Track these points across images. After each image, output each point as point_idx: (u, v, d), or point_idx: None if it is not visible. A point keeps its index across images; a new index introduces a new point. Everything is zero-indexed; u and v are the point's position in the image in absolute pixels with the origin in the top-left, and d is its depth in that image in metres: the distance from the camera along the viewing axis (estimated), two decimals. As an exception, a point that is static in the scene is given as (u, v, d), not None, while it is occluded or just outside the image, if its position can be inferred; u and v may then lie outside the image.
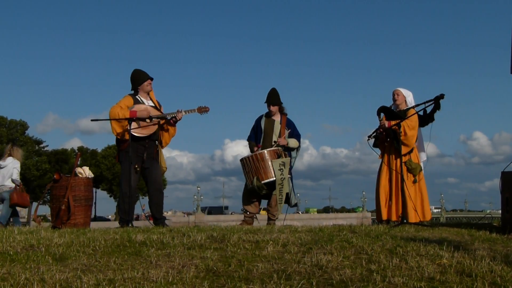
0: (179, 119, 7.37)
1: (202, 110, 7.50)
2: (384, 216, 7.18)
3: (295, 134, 7.90)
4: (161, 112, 7.35)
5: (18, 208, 10.51)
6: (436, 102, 7.05)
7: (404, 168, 7.02)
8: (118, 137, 7.13)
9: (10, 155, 10.51)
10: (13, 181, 10.18)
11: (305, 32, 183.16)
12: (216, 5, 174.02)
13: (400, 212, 7.01)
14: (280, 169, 7.24)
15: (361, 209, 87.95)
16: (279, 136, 7.72)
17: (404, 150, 7.05)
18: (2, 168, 10.35)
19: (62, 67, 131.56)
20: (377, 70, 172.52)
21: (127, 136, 7.00)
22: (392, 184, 7.20)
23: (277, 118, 7.91)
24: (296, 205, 7.85)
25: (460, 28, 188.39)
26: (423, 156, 7.47)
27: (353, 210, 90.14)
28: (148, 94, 7.47)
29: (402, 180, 6.90)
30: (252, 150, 7.80)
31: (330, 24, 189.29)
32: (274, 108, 7.85)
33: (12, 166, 10.27)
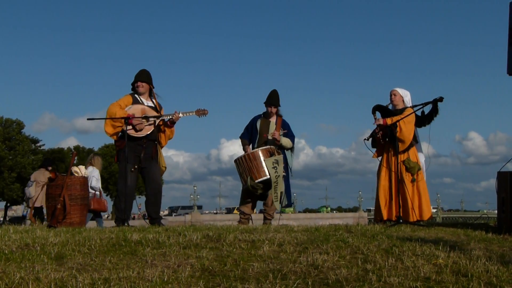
0: (176, 121, 7.34)
1: (201, 112, 7.46)
2: (384, 216, 7.16)
3: (289, 135, 7.90)
4: (159, 113, 7.32)
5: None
6: (434, 104, 7.04)
7: (403, 167, 7.02)
8: (111, 137, 7.11)
9: (91, 164, 11.42)
10: (91, 188, 10.87)
11: (301, 32, 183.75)
12: (213, 5, 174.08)
13: (397, 212, 7.00)
14: (274, 167, 7.23)
15: (326, 209, 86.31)
16: None
17: (400, 147, 7.03)
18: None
19: (58, 66, 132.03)
20: (373, 70, 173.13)
21: (116, 137, 6.99)
22: (391, 183, 7.18)
23: (272, 119, 7.91)
24: (288, 205, 7.83)
25: (456, 28, 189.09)
26: (421, 157, 7.44)
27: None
28: (150, 95, 7.44)
29: (401, 179, 6.89)
30: (244, 148, 7.83)
31: (326, 24, 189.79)
32: (274, 110, 7.86)
33: (91, 175, 11.03)
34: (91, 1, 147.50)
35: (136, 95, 7.32)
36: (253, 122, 8.01)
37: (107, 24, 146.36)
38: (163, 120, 7.31)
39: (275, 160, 7.28)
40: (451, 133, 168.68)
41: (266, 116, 7.96)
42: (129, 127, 7.01)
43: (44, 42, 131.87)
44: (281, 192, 7.46)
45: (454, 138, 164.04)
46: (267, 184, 7.33)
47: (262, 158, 7.30)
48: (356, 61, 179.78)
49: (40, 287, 2.90)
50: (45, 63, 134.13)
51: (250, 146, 7.91)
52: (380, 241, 4.37)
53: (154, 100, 7.44)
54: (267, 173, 7.23)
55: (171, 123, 7.37)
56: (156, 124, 7.26)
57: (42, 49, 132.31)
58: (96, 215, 11.11)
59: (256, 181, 7.25)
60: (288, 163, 7.83)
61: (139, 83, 7.30)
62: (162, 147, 7.50)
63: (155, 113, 7.26)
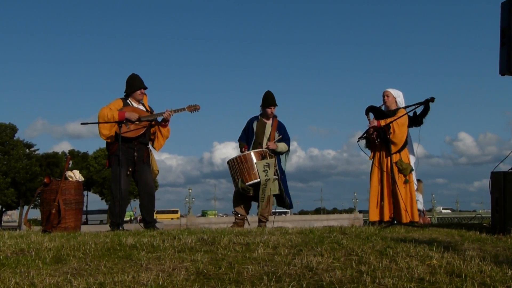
0: (169, 118, 7.29)
1: (192, 108, 7.42)
2: (376, 217, 7.18)
3: (284, 138, 7.89)
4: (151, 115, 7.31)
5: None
6: (426, 104, 7.07)
7: (395, 169, 7.03)
8: (106, 140, 7.10)
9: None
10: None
11: (292, 35, 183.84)
12: (205, 8, 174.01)
13: (391, 213, 7.02)
14: (264, 170, 7.24)
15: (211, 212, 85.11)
16: (269, 139, 7.72)
17: (393, 148, 7.05)
18: None
19: (50, 71, 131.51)
20: (363, 72, 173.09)
21: (113, 139, 6.99)
22: (383, 184, 7.20)
23: (268, 121, 7.90)
24: (291, 205, 7.85)
25: (446, 29, 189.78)
26: (412, 158, 7.47)
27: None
28: (140, 100, 7.42)
29: (393, 180, 6.91)
30: (241, 151, 7.82)
31: (317, 27, 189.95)
32: (274, 110, 7.87)
33: None
34: (83, 6, 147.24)
35: (127, 100, 7.31)
36: (249, 124, 8.00)
37: (100, 29, 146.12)
38: (156, 120, 7.29)
39: (266, 163, 7.28)
40: (441, 133, 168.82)
41: (263, 117, 7.95)
42: (125, 127, 6.99)
43: (36, 48, 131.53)
44: (268, 196, 7.43)
45: (445, 139, 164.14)
46: (258, 187, 7.33)
47: (254, 161, 7.30)
48: (345, 63, 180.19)
49: (35, 293, 2.90)
50: (37, 69, 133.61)
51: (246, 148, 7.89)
52: (374, 243, 4.38)
53: (144, 104, 7.44)
54: (258, 176, 7.24)
55: (165, 122, 7.35)
56: (147, 127, 7.24)
57: (35, 54, 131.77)
58: None
59: (247, 183, 7.25)
60: (282, 165, 7.84)
61: (142, 91, 7.30)
62: (159, 149, 7.48)
63: (148, 115, 7.26)
